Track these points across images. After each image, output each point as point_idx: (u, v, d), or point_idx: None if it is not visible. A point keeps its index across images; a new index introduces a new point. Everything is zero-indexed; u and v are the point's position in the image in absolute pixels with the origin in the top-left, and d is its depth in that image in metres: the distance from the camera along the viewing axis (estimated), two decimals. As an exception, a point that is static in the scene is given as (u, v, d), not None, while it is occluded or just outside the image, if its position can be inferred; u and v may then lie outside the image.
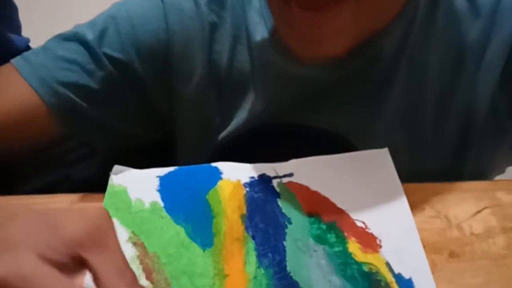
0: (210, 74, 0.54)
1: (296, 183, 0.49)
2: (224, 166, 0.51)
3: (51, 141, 0.55)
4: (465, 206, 0.47)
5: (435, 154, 0.55)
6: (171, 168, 0.51)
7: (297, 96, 0.54)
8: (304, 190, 0.49)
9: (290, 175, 0.50)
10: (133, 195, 0.49)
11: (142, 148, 0.55)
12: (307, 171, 0.50)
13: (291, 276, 0.42)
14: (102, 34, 0.52)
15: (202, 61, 0.53)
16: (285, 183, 0.49)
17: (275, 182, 0.50)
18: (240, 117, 0.56)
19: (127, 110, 0.56)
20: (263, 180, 0.50)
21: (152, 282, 0.42)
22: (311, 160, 0.51)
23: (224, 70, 0.54)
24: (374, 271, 0.42)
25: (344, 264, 0.43)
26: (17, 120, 0.52)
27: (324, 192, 0.48)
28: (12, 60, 0.54)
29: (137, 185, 0.50)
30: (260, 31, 0.51)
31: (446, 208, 0.47)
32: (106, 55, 0.52)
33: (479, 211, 0.47)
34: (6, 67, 0.54)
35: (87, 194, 0.51)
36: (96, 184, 0.48)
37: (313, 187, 0.49)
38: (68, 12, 1.85)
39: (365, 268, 0.43)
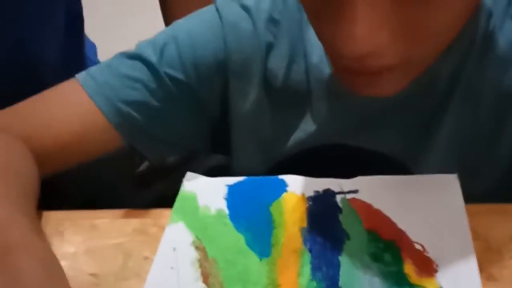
0: (265, 94, 0.55)
1: (359, 200, 0.50)
2: (290, 179, 0.53)
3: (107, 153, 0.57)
4: (505, 228, 0.46)
5: (486, 177, 0.53)
6: (240, 178, 0.54)
7: (351, 118, 0.54)
8: (366, 207, 0.49)
9: (355, 191, 0.51)
10: (201, 201, 0.52)
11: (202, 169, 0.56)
12: (372, 189, 0.50)
13: (341, 291, 0.43)
14: (163, 54, 0.54)
15: (258, 80, 0.54)
16: (348, 199, 0.50)
17: (338, 198, 0.50)
18: (296, 137, 0.56)
19: (185, 127, 0.58)
20: (327, 195, 0.51)
21: (207, 285, 0.44)
22: (377, 179, 0.51)
23: (279, 90, 0.55)
24: (427, 295, 0.42)
25: (398, 284, 0.43)
26: (81, 138, 0.55)
27: (386, 211, 0.48)
28: (78, 76, 0.56)
29: (206, 192, 0.53)
30: (317, 52, 0.51)
31: (486, 230, 0.46)
32: (167, 74, 0.54)
33: (520, 235, 0.45)
34: (71, 82, 0.56)
35: (130, 210, 0.53)
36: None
37: (376, 205, 0.49)
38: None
39: (418, 291, 0.42)
